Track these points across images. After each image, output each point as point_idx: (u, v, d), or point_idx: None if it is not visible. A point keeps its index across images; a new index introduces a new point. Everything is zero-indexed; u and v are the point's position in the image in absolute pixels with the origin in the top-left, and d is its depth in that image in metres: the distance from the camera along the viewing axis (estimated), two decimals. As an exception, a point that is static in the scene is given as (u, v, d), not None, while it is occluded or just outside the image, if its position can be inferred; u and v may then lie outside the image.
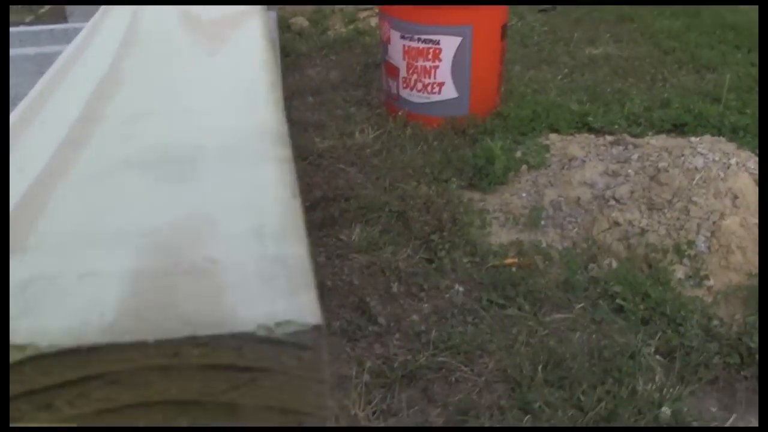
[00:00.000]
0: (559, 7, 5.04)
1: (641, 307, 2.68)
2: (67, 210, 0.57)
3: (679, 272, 2.78)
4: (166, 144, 0.66)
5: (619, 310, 2.71)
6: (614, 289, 2.78)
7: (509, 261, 2.94)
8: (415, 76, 3.72)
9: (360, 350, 2.53)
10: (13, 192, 0.58)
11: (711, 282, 2.75)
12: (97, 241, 0.53)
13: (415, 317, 2.63)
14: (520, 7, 4.79)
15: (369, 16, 5.19)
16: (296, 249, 0.51)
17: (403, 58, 3.71)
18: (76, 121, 0.71)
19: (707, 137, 3.18)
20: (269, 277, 0.48)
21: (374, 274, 2.84)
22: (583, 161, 3.35)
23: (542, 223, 3.16)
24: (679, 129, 3.52)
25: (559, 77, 4.11)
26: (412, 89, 3.75)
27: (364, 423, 2.27)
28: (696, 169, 2.98)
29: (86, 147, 0.66)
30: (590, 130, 3.66)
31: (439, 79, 3.68)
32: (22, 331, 0.44)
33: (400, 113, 3.74)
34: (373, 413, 2.38)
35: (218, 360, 0.44)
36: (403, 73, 3.74)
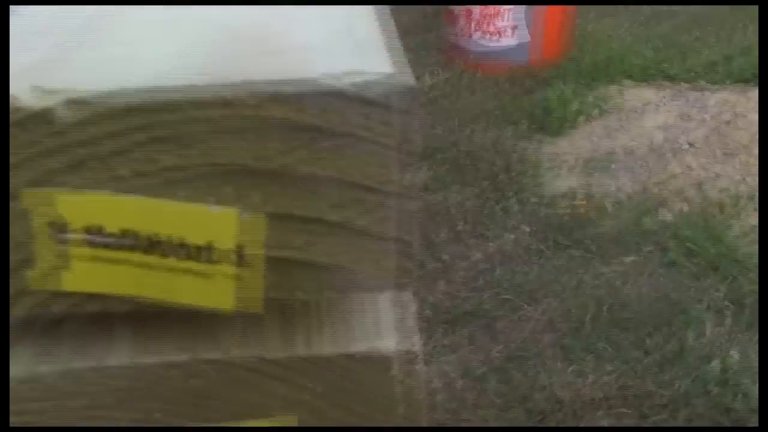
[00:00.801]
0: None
1: (712, 251, 2.61)
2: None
3: (753, 218, 2.71)
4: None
5: (689, 254, 2.64)
6: (685, 233, 2.71)
7: (578, 203, 2.90)
8: (486, 20, 3.66)
9: (423, 286, 2.52)
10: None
11: (784, 229, 2.66)
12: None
13: (479, 255, 2.61)
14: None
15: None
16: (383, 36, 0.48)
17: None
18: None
19: (788, 82, 3.06)
20: (357, 48, 0.46)
21: (440, 212, 2.82)
22: (657, 106, 3.27)
23: (613, 167, 3.10)
24: (756, 80, 3.40)
25: (636, 24, 4.00)
26: (484, 33, 3.69)
27: (423, 359, 2.27)
28: (775, 114, 2.88)
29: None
30: (666, 77, 3.55)
31: (511, 22, 3.62)
32: (58, 80, 0.44)
33: (471, 57, 3.68)
34: (434, 348, 2.38)
35: (276, 113, 0.42)
36: (476, 15, 3.68)
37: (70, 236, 0.44)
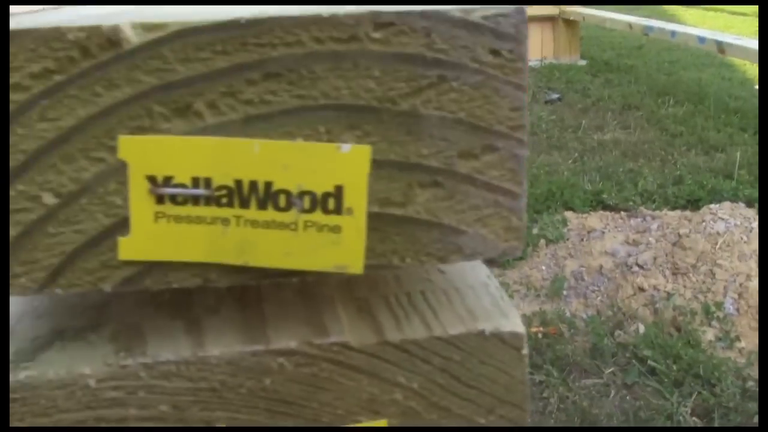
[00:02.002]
0: (565, 98, 5.12)
1: (674, 368, 2.62)
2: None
3: (709, 334, 2.73)
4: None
5: (651, 372, 2.64)
6: (644, 352, 2.72)
7: (534, 330, 2.89)
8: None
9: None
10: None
11: (742, 343, 2.70)
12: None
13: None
14: (527, 99, 4.87)
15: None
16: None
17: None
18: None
19: (726, 203, 3.17)
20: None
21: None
22: (602, 232, 3.33)
23: (564, 293, 3.11)
24: (693, 204, 3.52)
25: (570, 161, 4.14)
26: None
27: None
28: (718, 233, 2.97)
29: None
30: (605, 207, 3.65)
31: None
32: (163, 15, 0.40)
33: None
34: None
35: (403, 48, 0.39)
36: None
37: (173, 192, 0.40)
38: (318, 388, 0.44)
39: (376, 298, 0.48)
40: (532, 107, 4.98)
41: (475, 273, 0.51)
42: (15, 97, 0.39)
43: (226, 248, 0.40)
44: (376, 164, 0.40)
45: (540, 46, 6.09)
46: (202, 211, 0.40)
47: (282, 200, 0.40)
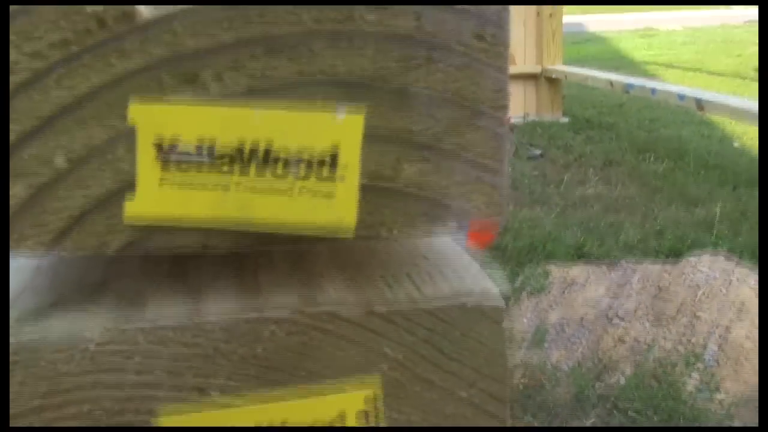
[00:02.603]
0: (547, 155, 5.20)
1: (655, 419, 2.63)
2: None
3: (689, 385, 2.75)
4: None
5: (633, 423, 2.66)
6: (625, 403, 2.74)
7: (516, 381, 2.90)
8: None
9: None
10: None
11: (722, 395, 2.71)
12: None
13: None
14: (509, 154, 4.96)
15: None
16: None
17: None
18: None
19: (706, 257, 3.22)
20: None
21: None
22: (583, 285, 3.36)
23: (546, 344, 3.13)
24: (674, 257, 3.56)
25: (552, 215, 4.18)
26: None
27: None
28: (698, 285, 3.00)
29: None
30: (587, 260, 3.69)
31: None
32: None
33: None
34: None
35: (395, 29, 0.42)
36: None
37: (178, 155, 0.42)
38: (307, 357, 0.46)
39: (363, 277, 0.50)
40: (514, 163, 5.05)
41: (459, 259, 0.53)
42: (34, 65, 0.41)
43: (226, 213, 0.43)
44: (368, 138, 0.43)
45: (523, 103, 6.20)
46: (204, 177, 0.43)
47: (279, 167, 0.42)
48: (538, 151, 5.25)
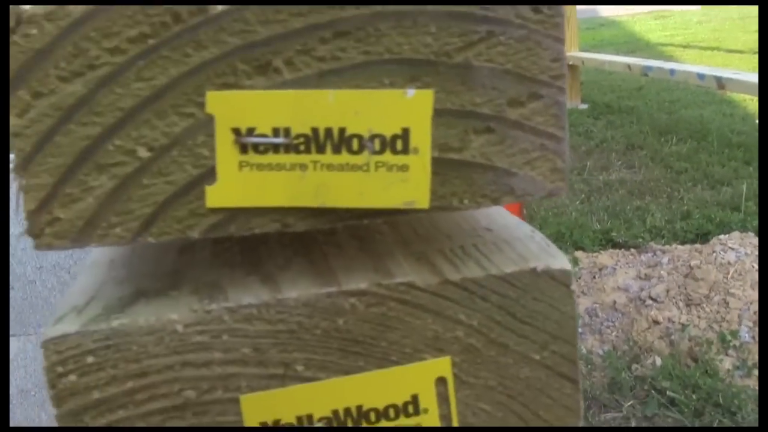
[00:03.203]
0: (569, 142, 5.19)
1: (693, 398, 2.63)
2: None
3: (726, 363, 2.74)
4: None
5: (671, 403, 2.65)
6: (662, 384, 2.73)
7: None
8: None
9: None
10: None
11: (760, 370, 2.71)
12: None
13: None
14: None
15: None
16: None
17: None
18: None
19: (736, 233, 3.21)
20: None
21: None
22: (614, 269, 3.36)
23: (579, 330, 3.13)
24: (702, 238, 3.55)
25: (578, 202, 4.18)
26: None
27: None
28: (729, 263, 3.00)
29: None
30: (615, 245, 3.69)
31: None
32: None
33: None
34: None
35: (455, 7, 0.44)
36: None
37: (256, 141, 0.44)
38: (387, 327, 0.48)
39: (432, 251, 0.52)
40: (536, 152, 5.05)
41: (520, 228, 0.55)
42: (114, 60, 0.43)
43: (305, 192, 0.44)
44: (435, 112, 0.45)
45: (541, 93, 6.17)
46: (281, 158, 0.44)
47: (355, 144, 0.44)
48: (558, 140, 5.25)
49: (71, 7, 0.43)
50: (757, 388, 2.65)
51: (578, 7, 6.49)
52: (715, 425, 2.51)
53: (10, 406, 1.90)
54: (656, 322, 2.99)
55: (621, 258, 3.49)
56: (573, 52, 6.13)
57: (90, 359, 0.46)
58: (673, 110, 5.90)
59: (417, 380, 0.48)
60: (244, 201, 0.45)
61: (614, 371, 2.81)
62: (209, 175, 0.45)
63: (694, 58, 7.65)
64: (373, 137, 0.44)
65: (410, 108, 0.44)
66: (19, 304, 1.89)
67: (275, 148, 0.44)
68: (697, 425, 2.52)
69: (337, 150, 0.44)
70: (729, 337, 2.79)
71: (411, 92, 0.43)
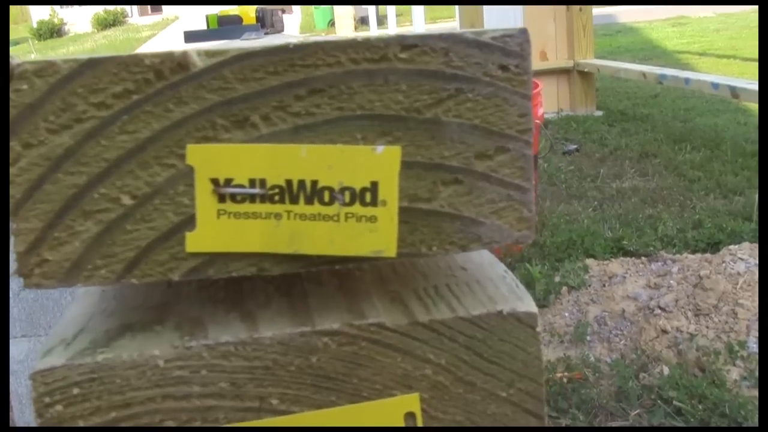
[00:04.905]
0: (582, 149, 5.20)
1: (700, 408, 2.64)
2: None
3: (734, 373, 2.75)
4: None
5: (677, 413, 2.66)
6: (669, 394, 2.74)
7: (558, 375, 2.91)
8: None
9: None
10: None
11: (768, 382, 2.71)
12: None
13: None
14: (545, 150, 4.98)
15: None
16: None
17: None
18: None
19: (746, 244, 3.21)
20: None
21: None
22: (624, 277, 3.37)
23: (588, 338, 3.14)
24: (713, 248, 3.55)
25: (590, 209, 4.19)
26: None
27: None
28: (739, 273, 3.00)
29: None
30: (626, 253, 3.69)
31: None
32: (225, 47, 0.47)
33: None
34: None
35: (425, 65, 0.46)
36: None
37: (233, 191, 0.47)
38: (358, 365, 0.50)
39: (406, 290, 0.55)
40: (550, 158, 5.06)
41: (494, 268, 0.57)
42: (100, 114, 0.46)
43: (280, 239, 0.47)
44: (405, 165, 0.47)
45: (556, 99, 6.19)
46: (257, 207, 0.47)
47: (326, 196, 0.47)
48: (573, 146, 5.26)
49: (60, 64, 0.45)
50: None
51: (595, 12, 6.48)
52: None
53: (20, 405, 1.93)
54: (665, 332, 3.00)
55: (631, 266, 3.50)
56: (588, 59, 6.13)
57: (76, 390, 0.49)
58: (687, 118, 5.89)
59: (387, 415, 0.51)
60: (222, 246, 0.48)
61: (621, 380, 2.82)
62: (189, 222, 0.48)
63: (710, 66, 7.63)
64: (343, 190, 0.46)
65: (379, 163, 0.46)
66: (29, 306, 1.93)
67: (251, 198, 0.47)
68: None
69: (309, 201, 0.47)
70: (737, 348, 2.80)
71: (380, 148, 0.46)
